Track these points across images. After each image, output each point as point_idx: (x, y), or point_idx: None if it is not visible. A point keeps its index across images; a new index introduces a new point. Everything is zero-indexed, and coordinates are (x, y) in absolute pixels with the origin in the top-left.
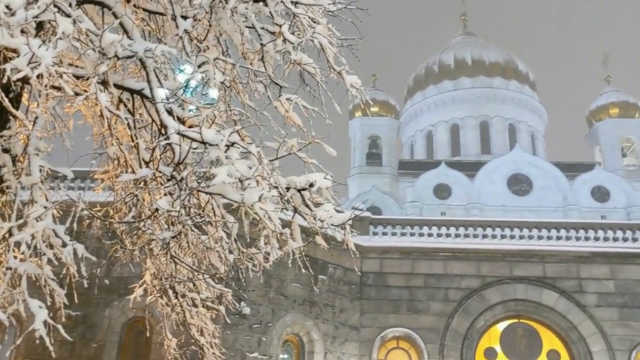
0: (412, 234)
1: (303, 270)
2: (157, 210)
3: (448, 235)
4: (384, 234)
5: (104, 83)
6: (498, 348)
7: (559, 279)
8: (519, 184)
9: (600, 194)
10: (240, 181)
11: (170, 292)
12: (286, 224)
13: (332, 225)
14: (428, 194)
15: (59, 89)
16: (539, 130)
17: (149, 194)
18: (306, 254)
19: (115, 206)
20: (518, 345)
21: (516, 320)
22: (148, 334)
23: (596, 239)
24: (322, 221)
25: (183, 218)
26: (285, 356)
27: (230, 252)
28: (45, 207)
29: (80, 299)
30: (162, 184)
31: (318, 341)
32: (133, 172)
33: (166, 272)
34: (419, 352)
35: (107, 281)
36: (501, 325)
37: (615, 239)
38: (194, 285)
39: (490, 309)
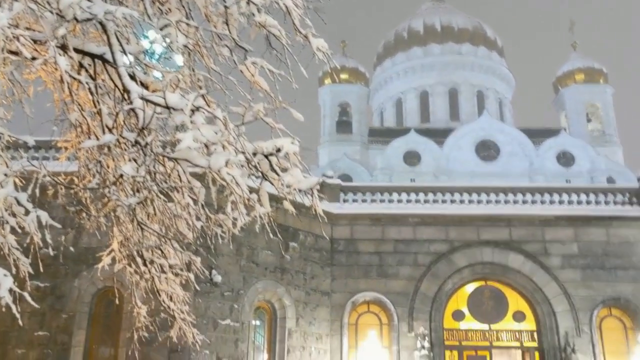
0: (382, 201)
1: (274, 238)
2: (121, 176)
3: (417, 201)
4: (354, 201)
5: (63, 47)
6: (465, 310)
7: (524, 242)
8: (487, 150)
9: (566, 159)
10: (206, 146)
11: (138, 259)
12: (254, 191)
13: (299, 190)
14: (398, 161)
15: (16, 53)
16: (506, 96)
17: (113, 161)
18: (276, 221)
19: (79, 174)
20: (485, 307)
21: (483, 283)
22: (118, 304)
23: (561, 202)
24: (289, 186)
25: (148, 184)
26: (258, 322)
27: (198, 218)
28: (6, 175)
29: (49, 269)
30: (126, 150)
31: (290, 307)
32: (97, 138)
33: (133, 239)
34: (389, 315)
35: (73, 250)
36: (469, 288)
37: (579, 203)
38: (162, 252)
39: (458, 273)
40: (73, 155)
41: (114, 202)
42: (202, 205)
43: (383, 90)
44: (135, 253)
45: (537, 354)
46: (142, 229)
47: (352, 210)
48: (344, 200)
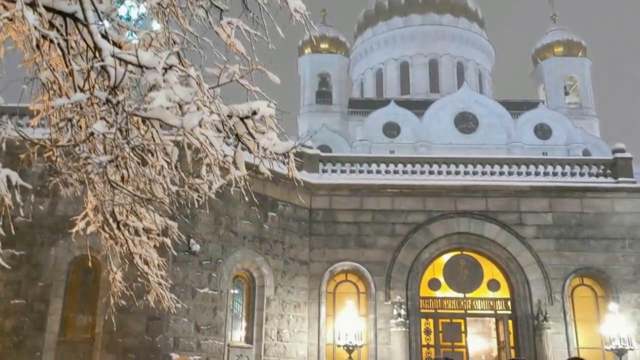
0: (360, 172)
1: (252, 208)
2: (92, 134)
3: (396, 172)
4: (333, 171)
5: (32, 5)
6: (441, 279)
7: (500, 212)
8: (466, 122)
9: (543, 131)
10: (180, 106)
11: (112, 222)
12: (230, 157)
13: (276, 154)
14: (377, 132)
15: None
16: (486, 68)
17: (85, 120)
18: (255, 191)
19: (50, 138)
20: (460, 276)
21: (459, 253)
22: (95, 272)
23: (537, 174)
24: (265, 149)
25: (120, 142)
26: (236, 291)
27: (174, 182)
28: None
29: (24, 238)
30: (97, 108)
31: (268, 276)
32: (68, 98)
33: (107, 202)
34: (367, 284)
35: (50, 218)
36: (445, 258)
37: (555, 174)
38: (137, 215)
39: (435, 242)
40: (46, 120)
41: (85, 161)
42: (176, 166)
43: (363, 61)
44: (108, 216)
45: (510, 321)
46: (114, 189)
47: (331, 181)
48: (323, 171)
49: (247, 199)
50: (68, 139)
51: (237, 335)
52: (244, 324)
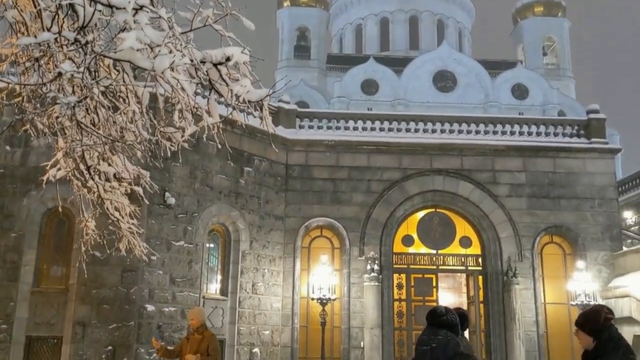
0: (337, 128)
1: (228, 162)
2: (60, 74)
3: (372, 129)
4: (310, 127)
5: None
6: (415, 235)
7: (474, 171)
8: (444, 80)
9: (520, 91)
10: (151, 49)
11: (82, 168)
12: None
13: (249, 101)
14: (355, 89)
15: None
16: (466, 26)
17: (53, 61)
18: (231, 145)
19: (19, 80)
20: (433, 233)
21: (433, 210)
22: (69, 224)
23: (512, 133)
24: (238, 97)
25: (89, 82)
26: (212, 245)
27: (145, 128)
28: None
29: None
30: (65, 48)
31: (244, 230)
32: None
33: (75, 141)
34: (341, 239)
35: (21, 169)
36: (419, 215)
37: (530, 134)
38: (108, 163)
39: (410, 200)
40: (15, 67)
41: (53, 101)
42: (147, 111)
43: (343, 16)
44: (79, 161)
45: (480, 277)
46: (82, 130)
47: (308, 137)
48: (300, 127)
49: (222, 152)
50: (35, 80)
51: (213, 287)
52: (219, 277)
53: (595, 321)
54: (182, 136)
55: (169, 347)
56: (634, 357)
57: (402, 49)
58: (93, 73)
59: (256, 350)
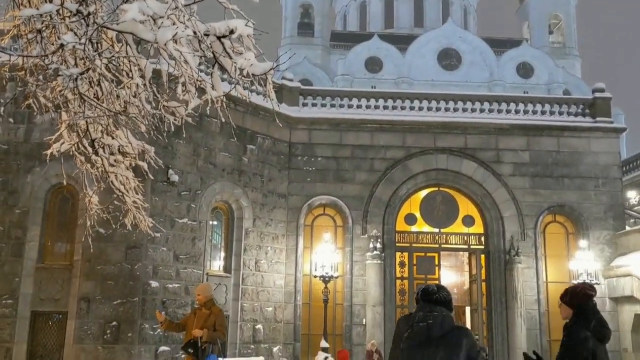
0: (341, 106)
1: (232, 140)
2: (62, 46)
3: (376, 108)
4: (314, 105)
5: None
6: (418, 214)
7: (478, 150)
8: (449, 59)
9: (525, 70)
10: (154, 20)
11: (86, 142)
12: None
13: (253, 75)
14: (359, 67)
15: None
16: (472, 4)
17: (55, 33)
18: (235, 123)
19: (22, 53)
20: (437, 212)
21: (436, 189)
22: (73, 201)
23: (516, 112)
24: (242, 70)
25: (91, 54)
26: (215, 222)
27: (149, 102)
28: None
29: (0, 164)
30: (68, 19)
31: (247, 208)
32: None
33: (79, 114)
34: (344, 218)
35: (25, 145)
36: (422, 194)
37: (534, 113)
38: (112, 137)
39: (413, 179)
40: (18, 43)
41: (55, 73)
42: (151, 84)
43: None
44: (82, 135)
45: (483, 256)
46: (85, 102)
47: (311, 115)
48: (304, 105)
49: (226, 130)
50: (38, 52)
51: (216, 265)
52: (222, 254)
53: (575, 295)
54: (186, 110)
55: (173, 321)
56: (607, 331)
57: (407, 27)
58: (95, 45)
59: (259, 326)
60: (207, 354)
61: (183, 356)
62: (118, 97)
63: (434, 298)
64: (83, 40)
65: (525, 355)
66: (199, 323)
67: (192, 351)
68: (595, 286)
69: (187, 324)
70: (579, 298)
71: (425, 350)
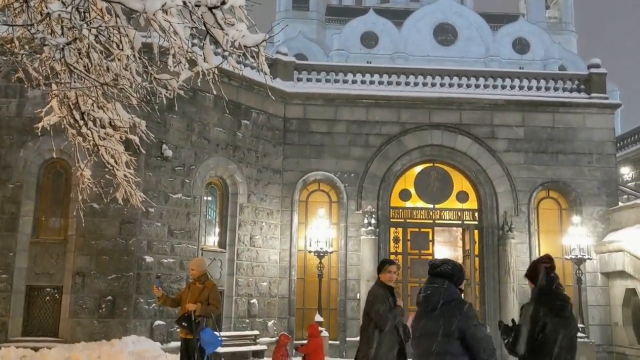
0: (336, 81)
1: (226, 115)
2: (49, 15)
3: (372, 83)
4: (309, 80)
5: None
6: (412, 190)
7: (473, 125)
8: (445, 34)
9: (521, 45)
10: None
11: (76, 114)
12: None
13: (245, 46)
14: (355, 42)
15: None
16: None
17: (43, 4)
18: (229, 98)
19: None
20: (431, 188)
21: (431, 165)
22: (67, 177)
23: (512, 87)
24: (234, 42)
25: (77, 23)
26: (210, 198)
27: (139, 74)
28: None
29: None
30: None
31: (242, 184)
32: None
33: (67, 84)
34: (339, 193)
35: (17, 120)
36: (417, 169)
37: (530, 88)
38: (103, 109)
39: (408, 154)
40: (4, 8)
41: (42, 42)
42: (141, 56)
43: None
44: (72, 107)
45: (476, 231)
46: (73, 73)
47: (306, 90)
48: (298, 80)
49: (220, 105)
50: (24, 21)
51: (211, 240)
52: (217, 230)
53: (533, 270)
54: (177, 82)
55: (169, 296)
56: (564, 304)
57: (403, 1)
58: (83, 14)
59: (254, 301)
60: (201, 327)
61: (178, 330)
62: (108, 69)
63: (436, 271)
64: (69, 9)
65: (500, 322)
66: (192, 297)
67: (186, 325)
68: (587, 261)
69: (182, 299)
70: (536, 273)
71: (426, 320)
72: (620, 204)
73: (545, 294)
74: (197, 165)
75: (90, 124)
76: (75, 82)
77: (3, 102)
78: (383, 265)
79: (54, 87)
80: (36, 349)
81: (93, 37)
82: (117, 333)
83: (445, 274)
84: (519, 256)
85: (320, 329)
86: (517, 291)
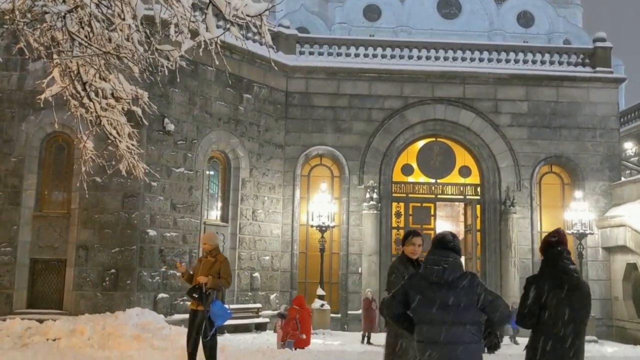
0: (338, 54)
1: (227, 89)
2: None
3: (374, 56)
4: (311, 53)
5: None
6: (414, 165)
7: (477, 99)
8: (449, 7)
9: (526, 19)
10: None
11: (78, 85)
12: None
13: (247, 15)
14: (357, 15)
15: None
16: None
17: None
18: (230, 72)
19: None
20: (433, 162)
21: (433, 139)
22: (69, 150)
23: (516, 61)
24: (236, 10)
25: None
26: (212, 172)
27: (141, 43)
28: None
29: None
30: None
31: (243, 158)
32: None
33: (67, 51)
34: (341, 168)
35: (19, 93)
36: (419, 144)
37: (534, 62)
38: (103, 79)
39: (410, 129)
40: None
41: (43, 10)
42: (143, 25)
43: None
44: (74, 77)
45: (478, 206)
46: (74, 41)
47: (308, 63)
48: (300, 53)
49: (221, 79)
50: None
51: (213, 214)
52: (219, 204)
53: (542, 243)
54: (179, 52)
55: (190, 272)
56: (564, 276)
57: None
58: None
59: (256, 274)
60: (211, 299)
61: (188, 303)
62: (110, 39)
63: (449, 245)
64: None
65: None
66: (204, 270)
67: (196, 296)
68: (589, 236)
69: (194, 271)
70: (541, 247)
71: (437, 292)
72: (623, 179)
73: (549, 268)
74: (199, 139)
75: (92, 95)
76: (76, 49)
77: (4, 75)
78: (407, 236)
79: (56, 56)
80: (41, 321)
81: (94, 5)
82: (120, 305)
83: (455, 249)
84: (521, 231)
85: (322, 302)
86: (518, 265)
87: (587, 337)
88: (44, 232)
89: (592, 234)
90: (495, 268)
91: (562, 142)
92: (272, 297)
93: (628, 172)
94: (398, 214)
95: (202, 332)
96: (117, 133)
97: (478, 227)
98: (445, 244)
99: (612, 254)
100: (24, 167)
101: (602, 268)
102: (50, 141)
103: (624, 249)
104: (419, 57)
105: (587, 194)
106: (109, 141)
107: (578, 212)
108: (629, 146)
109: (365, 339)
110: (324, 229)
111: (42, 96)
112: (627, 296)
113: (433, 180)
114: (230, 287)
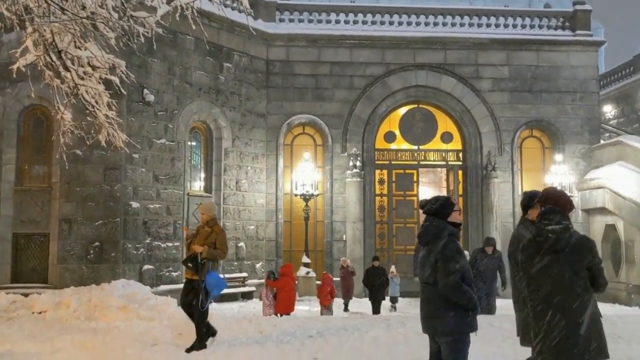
0: (319, 21)
1: (207, 58)
2: None
3: (355, 23)
4: (291, 20)
5: None
6: (397, 131)
7: (457, 65)
8: None
9: None
10: None
11: (53, 54)
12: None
13: None
14: None
15: None
16: None
17: None
18: (209, 40)
19: None
20: (415, 129)
21: (415, 106)
22: (48, 123)
23: (496, 26)
24: None
25: None
26: (194, 143)
27: (116, 11)
28: None
29: None
30: None
31: (225, 128)
32: None
33: (42, 18)
34: (324, 136)
35: None
36: (401, 111)
37: (514, 26)
38: (79, 47)
39: (392, 96)
40: None
41: None
42: None
43: None
44: (47, 46)
45: (460, 171)
46: (49, 7)
47: (289, 31)
48: (280, 20)
49: (201, 48)
50: None
51: (196, 185)
52: (202, 174)
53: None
54: (155, 18)
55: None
56: (549, 236)
57: None
58: None
59: (242, 244)
60: (206, 269)
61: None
62: (84, 7)
63: (425, 210)
64: None
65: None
66: (200, 240)
67: (191, 265)
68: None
69: (191, 241)
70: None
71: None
72: (602, 142)
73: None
74: (180, 109)
75: (69, 63)
76: (50, 16)
77: None
78: (531, 200)
79: (29, 24)
80: (26, 295)
81: None
82: (106, 277)
83: (431, 212)
84: (502, 195)
85: (307, 270)
86: (500, 229)
87: None
88: (26, 206)
89: (572, 196)
90: (478, 232)
91: (543, 106)
92: (257, 266)
93: (607, 135)
94: (381, 181)
95: (200, 302)
96: (96, 102)
97: (460, 192)
98: (423, 210)
99: (592, 216)
100: (2, 141)
101: (582, 230)
102: (28, 114)
103: (603, 210)
104: (400, 23)
105: (567, 157)
106: (88, 111)
107: (558, 175)
108: (608, 109)
109: (343, 305)
110: (308, 197)
111: (15, 66)
112: (606, 257)
113: (415, 147)
114: (226, 257)
